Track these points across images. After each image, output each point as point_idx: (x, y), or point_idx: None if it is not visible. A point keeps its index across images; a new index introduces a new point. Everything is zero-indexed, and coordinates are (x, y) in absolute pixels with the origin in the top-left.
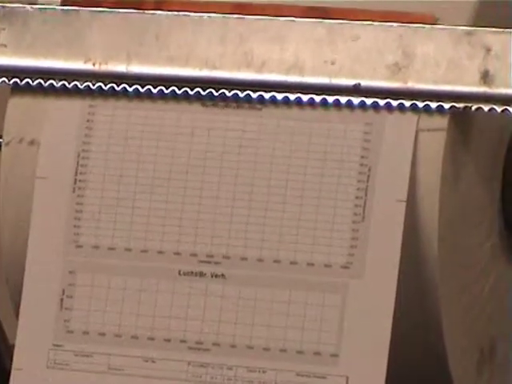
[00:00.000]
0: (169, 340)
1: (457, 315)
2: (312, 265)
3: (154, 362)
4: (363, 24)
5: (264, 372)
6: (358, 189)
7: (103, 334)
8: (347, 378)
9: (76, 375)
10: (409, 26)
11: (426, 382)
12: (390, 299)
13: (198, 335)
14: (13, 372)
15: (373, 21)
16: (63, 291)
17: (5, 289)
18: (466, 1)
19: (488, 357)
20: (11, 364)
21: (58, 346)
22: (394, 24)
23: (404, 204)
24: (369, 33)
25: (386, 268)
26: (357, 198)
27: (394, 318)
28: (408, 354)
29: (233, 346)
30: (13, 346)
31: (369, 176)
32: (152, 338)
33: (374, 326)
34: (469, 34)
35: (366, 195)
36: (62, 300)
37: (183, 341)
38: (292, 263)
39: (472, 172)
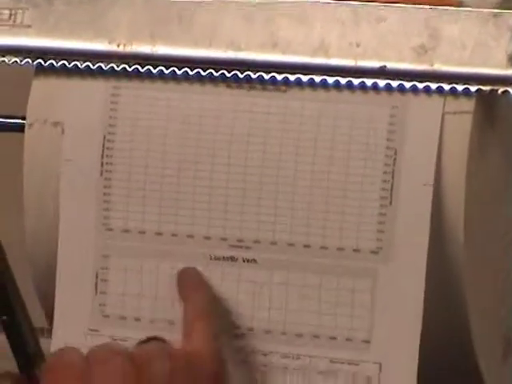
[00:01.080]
0: None
1: (483, 301)
2: (342, 249)
3: None
4: (389, 6)
5: (298, 358)
6: (384, 172)
7: (138, 320)
8: (380, 364)
9: None
10: (435, 8)
11: (453, 368)
12: (420, 284)
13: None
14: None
15: (399, 3)
16: (97, 275)
17: (28, 271)
18: None
19: None
20: (35, 348)
21: (94, 330)
22: (420, 6)
23: (431, 188)
24: (395, 15)
25: (415, 252)
26: (384, 181)
27: None
28: (434, 339)
29: (267, 332)
30: (37, 330)
31: (395, 159)
32: None
33: (405, 311)
34: (495, 16)
35: (392, 178)
36: (96, 284)
37: None
38: (322, 248)
39: (498, 155)
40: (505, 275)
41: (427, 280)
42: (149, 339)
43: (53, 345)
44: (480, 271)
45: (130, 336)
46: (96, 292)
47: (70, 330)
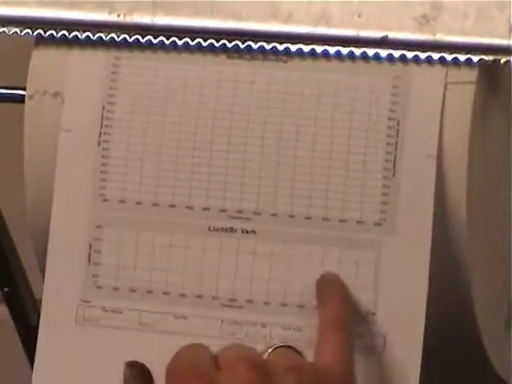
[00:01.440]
0: (201, 297)
1: (485, 270)
2: (344, 221)
3: (185, 318)
4: None
5: (299, 330)
6: (387, 143)
7: (134, 290)
8: (385, 336)
9: (106, 331)
10: None
11: (455, 337)
12: (424, 256)
13: (231, 292)
14: (40, 328)
15: None
16: (90, 246)
17: (29, 243)
18: None
19: None
20: (38, 320)
21: (86, 301)
22: None
23: (434, 160)
24: None
25: (420, 224)
26: (387, 152)
27: None
28: (436, 309)
29: (266, 303)
30: (39, 301)
31: (398, 130)
32: (183, 295)
33: (410, 283)
34: None
35: (395, 150)
36: (89, 255)
37: (215, 298)
38: (324, 219)
39: (501, 125)
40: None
41: (431, 253)
42: (281, 346)
43: (42, 317)
44: (483, 239)
45: (123, 307)
46: (89, 263)
47: (62, 301)
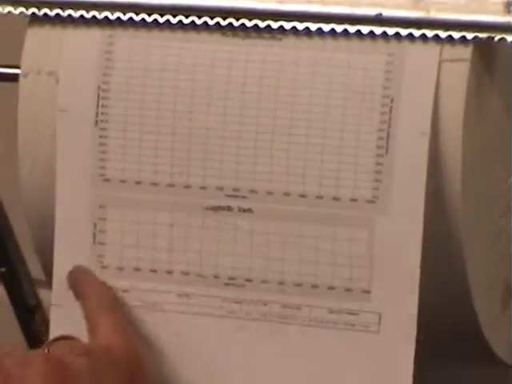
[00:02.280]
0: (203, 276)
1: (480, 250)
2: (338, 199)
3: (188, 297)
4: None
5: (298, 308)
6: (381, 121)
7: (138, 270)
8: (380, 314)
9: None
10: None
11: (451, 317)
12: (417, 234)
13: (231, 271)
14: (52, 308)
15: None
16: (95, 225)
17: (25, 223)
18: None
19: None
20: (34, 299)
21: None
22: None
23: (427, 137)
24: None
25: (412, 202)
26: (380, 130)
27: None
28: (432, 290)
29: (265, 282)
30: (36, 281)
31: (391, 107)
32: (186, 273)
33: (403, 261)
34: None
35: (389, 127)
36: (94, 234)
37: (217, 276)
38: (318, 197)
39: (495, 103)
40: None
41: (425, 231)
42: (58, 338)
43: (53, 297)
44: (477, 218)
45: (129, 287)
46: (94, 242)
47: None
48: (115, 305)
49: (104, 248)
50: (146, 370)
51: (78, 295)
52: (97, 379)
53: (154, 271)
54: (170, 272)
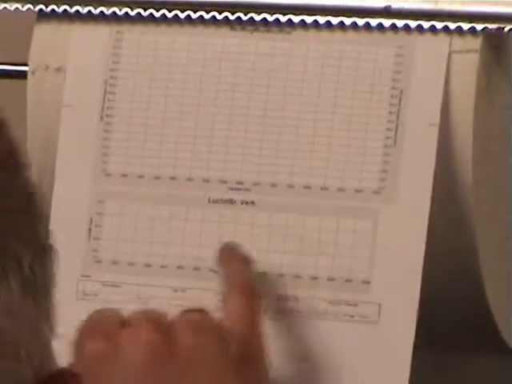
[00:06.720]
0: (198, 269)
1: (492, 241)
2: (343, 190)
3: (183, 291)
4: None
5: (297, 300)
6: (389, 112)
7: (132, 264)
8: (379, 305)
9: (105, 306)
10: None
11: (462, 309)
12: (422, 225)
13: None
14: None
15: None
16: (91, 220)
17: None
18: None
19: None
20: None
21: (86, 276)
22: None
23: (437, 128)
24: None
25: (419, 193)
26: (389, 121)
27: (428, 244)
28: (442, 281)
29: (265, 275)
30: None
31: (401, 99)
32: (181, 267)
33: (406, 252)
34: None
35: (397, 119)
36: (90, 229)
37: (213, 270)
38: (322, 189)
39: (506, 93)
40: None
41: (434, 219)
42: (193, 310)
43: None
44: (489, 209)
45: (123, 281)
46: (89, 237)
47: (62, 277)
48: (258, 290)
49: (99, 243)
50: (265, 363)
51: (221, 267)
52: (200, 362)
53: (149, 265)
54: (164, 266)
